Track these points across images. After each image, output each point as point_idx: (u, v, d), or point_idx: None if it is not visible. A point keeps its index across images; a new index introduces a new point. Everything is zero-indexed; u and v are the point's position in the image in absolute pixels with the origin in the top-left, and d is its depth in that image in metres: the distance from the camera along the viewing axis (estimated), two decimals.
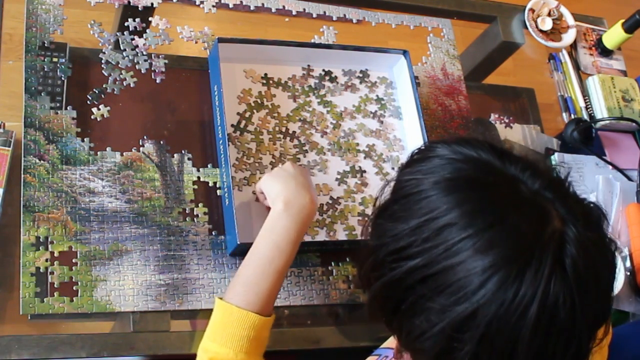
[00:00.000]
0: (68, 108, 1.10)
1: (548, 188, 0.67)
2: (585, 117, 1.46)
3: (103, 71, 1.14)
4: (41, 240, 1.00)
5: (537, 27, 1.51)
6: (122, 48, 1.17)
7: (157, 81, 1.17)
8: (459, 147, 0.72)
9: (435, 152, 0.72)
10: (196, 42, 1.23)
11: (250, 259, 0.96)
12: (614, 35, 1.53)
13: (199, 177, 1.12)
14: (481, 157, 0.70)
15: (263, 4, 1.32)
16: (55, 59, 1.12)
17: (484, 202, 0.66)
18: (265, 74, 1.23)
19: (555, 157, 1.37)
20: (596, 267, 0.66)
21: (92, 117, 1.11)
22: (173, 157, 1.12)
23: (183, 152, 1.13)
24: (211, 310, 0.94)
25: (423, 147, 0.76)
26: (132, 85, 1.15)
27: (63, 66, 1.12)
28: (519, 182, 0.68)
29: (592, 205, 0.70)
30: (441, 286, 0.65)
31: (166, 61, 1.19)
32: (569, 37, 1.52)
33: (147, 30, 1.21)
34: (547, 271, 0.62)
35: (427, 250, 0.66)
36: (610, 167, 1.40)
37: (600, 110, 1.45)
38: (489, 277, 0.62)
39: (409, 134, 1.26)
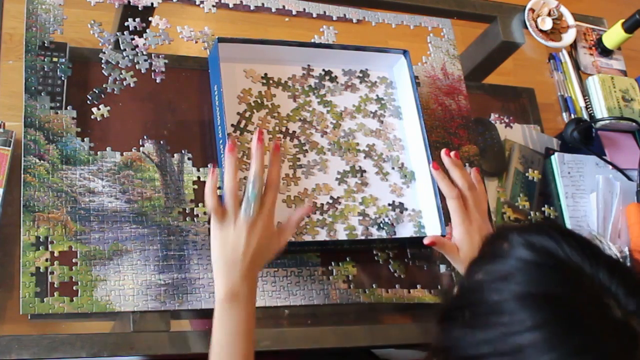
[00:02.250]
0: (68, 108, 1.10)
1: None
2: (585, 117, 1.46)
3: (103, 71, 1.15)
4: (41, 240, 1.00)
5: (537, 27, 1.51)
6: (122, 48, 1.17)
7: (157, 81, 1.17)
8: (540, 239, 0.66)
9: (512, 250, 0.66)
10: (196, 42, 1.23)
11: (213, 350, 0.92)
12: (614, 35, 1.53)
13: (199, 177, 1.12)
14: (569, 259, 0.64)
15: (263, 4, 1.32)
16: (55, 59, 1.12)
17: (570, 326, 0.61)
18: (265, 74, 1.23)
19: (555, 157, 1.37)
20: None
21: (92, 117, 1.11)
22: (173, 157, 1.12)
23: (183, 152, 1.13)
24: (211, 310, 0.94)
25: (495, 238, 0.70)
26: (132, 85, 1.15)
27: (63, 66, 1.12)
28: (610, 298, 0.62)
29: None
30: None
31: (166, 61, 1.19)
32: (569, 37, 1.52)
33: (147, 30, 1.21)
34: None
35: None
36: (610, 167, 1.40)
37: (600, 110, 1.45)
38: None
39: (409, 134, 1.26)
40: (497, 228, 0.72)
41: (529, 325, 0.61)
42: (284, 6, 1.33)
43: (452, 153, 1.15)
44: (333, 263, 1.13)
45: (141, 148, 1.11)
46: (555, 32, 1.52)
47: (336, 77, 1.28)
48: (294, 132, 1.21)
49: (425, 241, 1.11)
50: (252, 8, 1.31)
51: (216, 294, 0.94)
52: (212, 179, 0.96)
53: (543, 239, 0.66)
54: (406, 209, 1.21)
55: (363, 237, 1.16)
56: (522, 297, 0.63)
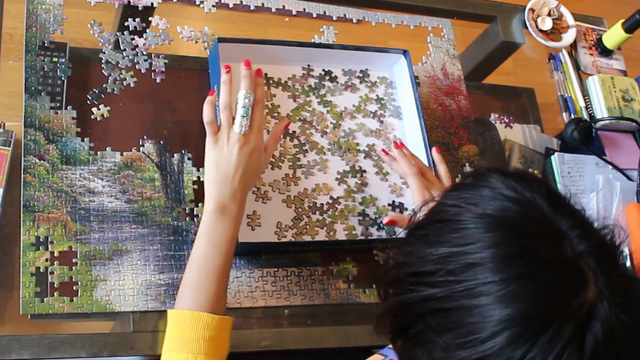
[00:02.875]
0: (68, 108, 1.10)
1: (594, 254, 0.63)
2: (585, 117, 1.46)
3: (103, 71, 1.15)
4: (41, 240, 1.00)
5: (537, 27, 1.51)
6: (122, 48, 1.17)
7: (157, 81, 1.17)
8: (515, 182, 0.67)
9: (488, 181, 0.68)
10: (196, 42, 1.23)
11: (191, 263, 0.95)
12: (614, 35, 1.53)
13: (199, 177, 1.12)
14: (535, 201, 0.66)
15: (263, 4, 1.32)
16: (55, 59, 1.12)
17: (521, 251, 0.62)
18: (265, 74, 1.23)
19: (555, 157, 1.37)
20: (619, 354, 0.61)
21: (92, 117, 1.11)
22: (173, 157, 1.12)
23: (183, 152, 1.13)
24: None
25: (477, 173, 0.72)
26: (132, 85, 1.15)
27: (63, 66, 1.12)
28: (564, 239, 0.63)
29: (636, 279, 0.66)
30: (452, 324, 0.62)
31: (166, 61, 1.19)
32: (569, 37, 1.52)
33: (147, 30, 1.21)
34: (562, 343, 0.58)
35: (449, 283, 0.63)
36: (610, 167, 1.40)
37: (600, 110, 1.45)
38: (502, 330, 0.59)
39: (409, 134, 1.26)
40: (480, 167, 0.75)
41: (481, 245, 0.62)
42: (284, 6, 1.33)
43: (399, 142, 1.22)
44: (333, 263, 1.13)
45: (141, 148, 1.11)
46: (555, 32, 1.52)
47: (336, 77, 1.28)
48: (294, 132, 1.21)
49: (384, 220, 1.15)
50: (252, 8, 1.31)
51: (205, 207, 0.97)
52: (210, 96, 1.03)
53: (517, 181, 0.68)
54: (406, 209, 1.21)
55: (363, 237, 1.16)
56: (482, 217, 0.64)
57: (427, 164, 1.19)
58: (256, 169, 1.02)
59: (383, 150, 1.22)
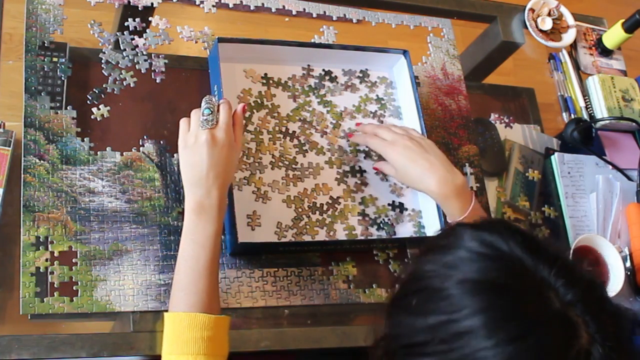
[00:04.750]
0: (68, 108, 1.10)
1: (581, 301, 0.63)
2: (585, 117, 1.46)
3: (103, 71, 1.15)
4: (41, 240, 1.00)
5: (537, 27, 1.51)
6: (122, 48, 1.17)
7: (157, 81, 1.17)
8: (490, 236, 0.67)
9: (462, 241, 0.67)
10: (196, 42, 1.23)
11: (179, 265, 0.95)
12: (614, 35, 1.53)
13: None
14: (512, 253, 0.66)
15: (263, 4, 1.32)
16: (55, 59, 1.12)
17: (509, 312, 0.62)
18: (265, 74, 1.23)
19: (555, 157, 1.37)
20: None
21: (92, 117, 1.11)
22: (173, 157, 1.12)
23: None
24: None
25: (449, 232, 0.71)
26: (132, 85, 1.15)
27: (63, 66, 1.12)
28: (550, 290, 0.64)
29: (624, 316, 0.66)
30: None
31: (166, 61, 1.19)
32: (569, 37, 1.52)
33: (147, 30, 1.21)
34: None
35: (443, 353, 0.63)
36: (610, 167, 1.40)
37: (600, 110, 1.45)
38: None
39: None
40: (450, 225, 0.74)
41: (469, 311, 0.62)
42: (284, 6, 1.33)
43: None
44: (333, 263, 1.13)
45: (141, 148, 1.11)
46: (555, 32, 1.52)
47: (336, 77, 1.28)
48: (294, 132, 1.21)
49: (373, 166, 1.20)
50: (252, 8, 1.31)
51: (185, 208, 0.97)
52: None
53: (492, 235, 0.67)
54: (406, 209, 1.21)
55: (363, 237, 1.16)
56: (464, 283, 0.64)
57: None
58: (228, 164, 1.00)
59: (349, 134, 1.22)
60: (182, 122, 1.02)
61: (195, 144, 0.98)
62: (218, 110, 1.02)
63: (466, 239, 0.68)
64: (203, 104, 1.02)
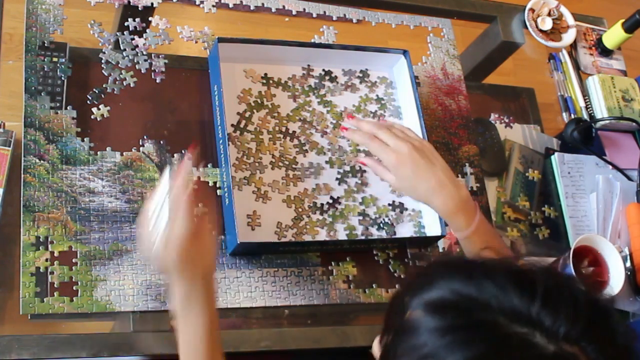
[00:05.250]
0: (68, 108, 1.10)
1: (583, 332, 0.59)
2: (585, 117, 1.46)
3: (103, 71, 1.15)
4: (41, 240, 1.00)
5: (537, 27, 1.51)
6: (122, 48, 1.17)
7: (157, 81, 1.17)
8: (432, 293, 0.63)
9: (418, 322, 0.62)
10: (196, 42, 1.23)
11: (181, 353, 0.89)
12: (614, 35, 1.53)
13: (199, 177, 1.12)
14: (488, 319, 0.60)
15: (263, 4, 1.32)
16: (55, 59, 1.12)
17: None
18: (265, 74, 1.23)
19: (555, 157, 1.37)
20: None
21: (92, 117, 1.11)
22: (173, 157, 1.12)
23: (183, 152, 1.13)
24: None
25: (397, 309, 0.67)
26: (132, 85, 1.15)
27: (63, 66, 1.12)
28: (536, 332, 0.59)
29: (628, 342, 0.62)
30: None
31: (166, 61, 1.19)
32: (569, 37, 1.52)
33: (147, 30, 1.21)
34: None
35: None
36: (610, 167, 1.40)
37: (600, 110, 1.45)
38: None
39: None
40: (393, 296, 0.70)
41: None
42: (284, 6, 1.33)
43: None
44: (333, 263, 1.13)
45: (141, 148, 1.11)
46: (555, 32, 1.52)
47: (336, 77, 1.28)
48: (294, 132, 1.21)
49: (358, 160, 1.17)
50: (252, 8, 1.31)
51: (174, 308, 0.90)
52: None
53: (436, 292, 0.64)
54: (406, 209, 1.21)
55: (363, 237, 1.16)
56: None
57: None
58: (197, 254, 0.87)
59: (341, 127, 1.16)
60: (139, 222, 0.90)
61: (153, 248, 0.87)
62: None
63: (418, 313, 0.63)
64: (151, 200, 0.89)
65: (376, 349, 0.71)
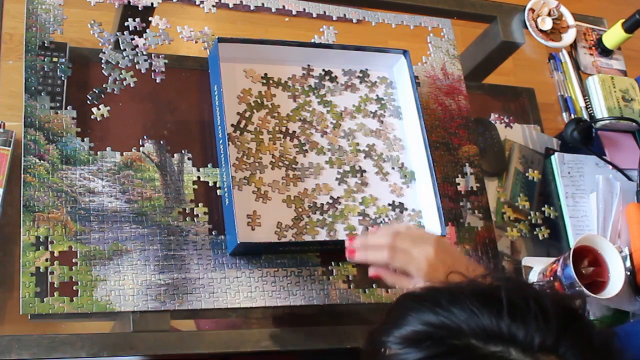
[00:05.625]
0: (68, 108, 1.10)
1: (558, 338, 0.59)
2: (585, 117, 1.46)
3: (103, 71, 1.15)
4: (41, 240, 1.00)
5: (537, 27, 1.50)
6: (122, 48, 1.17)
7: (157, 81, 1.17)
8: (406, 328, 0.63)
9: (393, 357, 0.63)
10: (196, 42, 1.23)
11: None
12: (614, 35, 1.53)
13: (199, 177, 1.12)
14: (443, 326, 0.61)
15: (263, 4, 1.32)
16: (55, 59, 1.12)
17: None
18: (265, 74, 1.23)
19: (555, 157, 1.37)
20: None
21: (92, 117, 1.11)
22: (173, 157, 1.12)
23: (183, 152, 1.13)
24: (211, 310, 0.94)
25: (375, 350, 0.67)
26: (132, 85, 1.15)
27: (63, 66, 1.12)
28: (508, 346, 0.59)
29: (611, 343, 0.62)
30: None
31: (166, 61, 1.19)
32: (569, 37, 1.52)
33: (147, 30, 1.21)
34: None
35: None
36: (610, 167, 1.40)
37: (600, 110, 1.45)
38: None
39: (409, 134, 1.26)
40: (366, 338, 0.70)
41: None
42: (284, 6, 1.33)
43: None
44: (333, 263, 1.13)
45: (141, 148, 1.11)
46: (555, 32, 1.52)
47: (336, 77, 1.28)
48: (294, 132, 1.21)
49: (370, 273, 1.02)
50: (252, 8, 1.31)
51: None
52: None
53: (409, 327, 0.64)
54: (406, 209, 1.21)
55: None
56: None
57: (427, 164, 1.19)
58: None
59: (349, 250, 1.02)
60: None
61: None
62: None
63: (395, 351, 0.64)
64: None
65: None
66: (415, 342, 0.63)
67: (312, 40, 1.32)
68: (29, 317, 0.96)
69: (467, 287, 0.66)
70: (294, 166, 1.18)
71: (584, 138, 1.40)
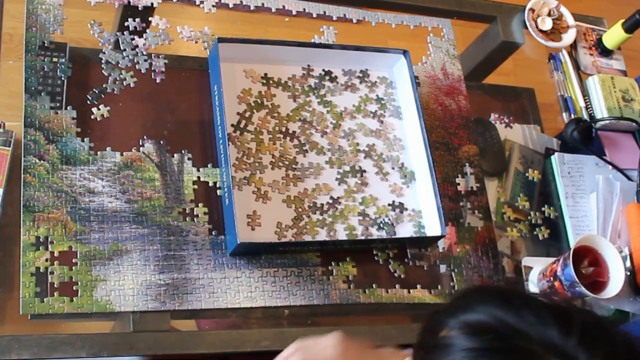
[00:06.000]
0: (68, 108, 1.10)
1: None
2: (585, 117, 1.46)
3: (103, 71, 1.15)
4: (41, 240, 1.00)
5: (537, 27, 1.51)
6: (122, 48, 1.17)
7: (157, 81, 1.17)
8: (473, 315, 0.64)
9: (453, 341, 0.64)
10: (196, 42, 1.23)
11: None
12: (614, 35, 1.53)
13: (199, 177, 1.12)
14: (504, 325, 0.63)
15: (263, 4, 1.32)
16: (55, 59, 1.12)
17: None
18: (265, 74, 1.23)
19: (555, 157, 1.37)
20: None
21: (92, 117, 1.11)
22: (173, 157, 1.12)
23: (183, 152, 1.13)
24: (211, 310, 0.94)
25: (433, 327, 0.68)
26: (132, 85, 1.15)
27: (63, 66, 1.12)
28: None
29: None
30: None
31: (166, 61, 1.19)
32: (569, 37, 1.52)
33: (147, 30, 1.21)
34: None
35: None
36: (610, 167, 1.40)
37: (600, 110, 1.45)
38: None
39: (409, 134, 1.26)
40: (429, 315, 0.71)
41: None
42: (284, 6, 1.33)
43: None
44: (333, 263, 1.13)
45: (141, 148, 1.11)
46: (555, 32, 1.52)
47: (336, 77, 1.28)
48: (294, 132, 1.21)
49: None
50: (252, 8, 1.31)
51: None
52: None
53: (476, 315, 0.65)
54: (406, 209, 1.21)
55: (363, 237, 1.16)
56: None
57: (427, 164, 1.19)
58: None
59: None
60: None
61: None
62: None
63: (454, 333, 0.65)
64: None
65: None
66: (478, 332, 0.64)
67: (312, 40, 1.32)
68: (29, 317, 0.96)
69: (541, 297, 0.68)
70: (294, 166, 1.18)
71: (584, 138, 1.40)
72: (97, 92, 1.13)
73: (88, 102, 1.11)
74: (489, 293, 0.68)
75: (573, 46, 1.55)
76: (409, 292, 1.15)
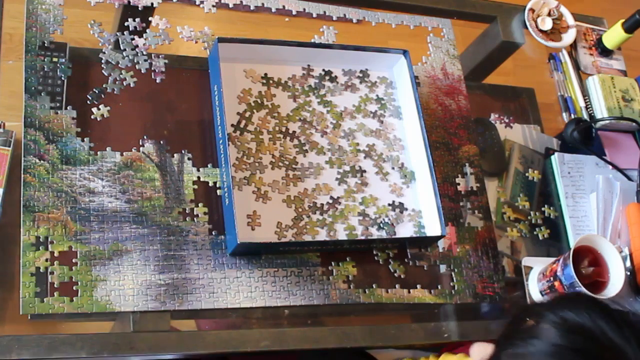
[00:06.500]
0: (68, 108, 1.10)
1: None
2: (585, 117, 1.46)
3: (103, 71, 1.15)
4: (41, 240, 1.00)
5: (537, 27, 1.51)
6: (122, 48, 1.17)
7: (157, 81, 1.17)
8: (570, 314, 0.66)
9: (543, 332, 0.65)
10: (196, 42, 1.23)
11: None
12: (614, 35, 1.53)
13: (199, 177, 1.12)
14: (602, 334, 0.64)
15: (263, 4, 1.32)
16: (55, 59, 1.12)
17: None
18: (265, 74, 1.23)
19: (555, 157, 1.37)
20: None
21: (92, 117, 1.11)
22: (173, 157, 1.12)
23: (183, 152, 1.13)
24: (211, 310, 0.94)
25: (525, 316, 0.69)
26: (132, 85, 1.15)
27: (63, 66, 1.12)
28: None
29: None
30: None
31: (166, 61, 1.19)
32: (569, 37, 1.52)
33: (147, 30, 1.21)
34: None
35: None
36: (610, 167, 1.40)
37: (600, 110, 1.45)
38: None
39: (409, 134, 1.26)
40: (524, 307, 0.72)
41: None
42: (284, 6, 1.33)
43: None
44: (333, 263, 1.13)
45: (141, 148, 1.11)
46: (555, 32, 1.52)
47: (336, 77, 1.28)
48: (294, 132, 1.21)
49: None
50: (252, 8, 1.31)
51: None
52: None
53: (577, 317, 0.66)
54: (406, 209, 1.21)
55: (363, 237, 1.16)
56: None
57: (427, 164, 1.19)
58: None
59: None
60: None
61: None
62: None
63: (546, 324, 0.66)
64: None
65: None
66: (573, 331, 0.65)
67: (312, 40, 1.32)
68: (29, 317, 0.96)
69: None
70: (294, 166, 1.18)
71: (584, 138, 1.40)
72: (97, 92, 1.13)
73: (88, 102, 1.11)
74: (594, 302, 0.69)
75: (573, 46, 1.55)
76: (409, 292, 1.15)
